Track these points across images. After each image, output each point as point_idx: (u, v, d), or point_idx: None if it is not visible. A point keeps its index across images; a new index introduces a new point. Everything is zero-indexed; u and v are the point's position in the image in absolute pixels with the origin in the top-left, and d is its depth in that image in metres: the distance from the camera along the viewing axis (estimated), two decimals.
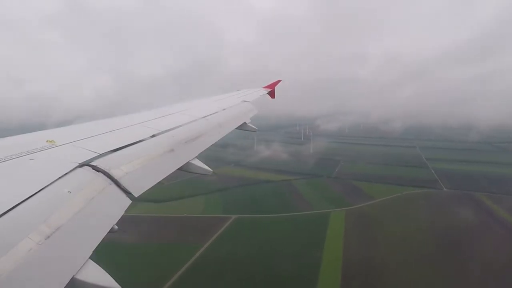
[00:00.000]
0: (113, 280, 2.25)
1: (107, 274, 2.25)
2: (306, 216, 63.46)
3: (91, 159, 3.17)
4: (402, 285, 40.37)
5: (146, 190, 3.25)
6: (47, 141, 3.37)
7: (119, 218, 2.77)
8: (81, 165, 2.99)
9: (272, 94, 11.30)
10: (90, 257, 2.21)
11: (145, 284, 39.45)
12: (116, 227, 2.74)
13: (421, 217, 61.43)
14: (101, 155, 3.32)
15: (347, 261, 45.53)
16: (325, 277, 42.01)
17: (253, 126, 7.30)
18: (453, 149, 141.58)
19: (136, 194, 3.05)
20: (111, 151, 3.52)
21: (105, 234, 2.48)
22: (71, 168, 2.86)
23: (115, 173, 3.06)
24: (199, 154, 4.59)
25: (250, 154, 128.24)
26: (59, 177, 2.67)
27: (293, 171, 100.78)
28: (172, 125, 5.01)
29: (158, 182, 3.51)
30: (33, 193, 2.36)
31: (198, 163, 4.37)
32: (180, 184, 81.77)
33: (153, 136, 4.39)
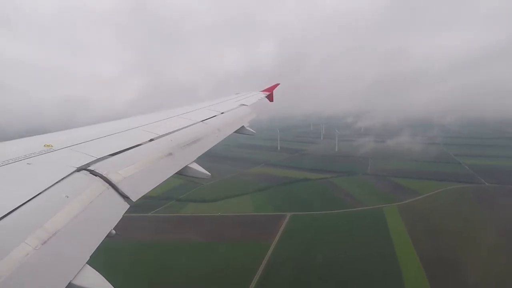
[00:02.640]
0: (111, 285, 2.21)
1: (104, 279, 2.21)
2: (360, 212, 62.81)
3: (89, 163, 3.15)
4: (489, 277, 39.71)
5: (144, 195, 3.21)
6: (44, 145, 3.37)
7: (117, 222, 2.73)
8: (79, 170, 2.99)
9: (270, 97, 11.33)
10: (87, 262, 2.18)
11: (232, 282, 38.52)
12: (114, 231, 2.72)
13: (480, 211, 60.67)
14: (99, 159, 3.30)
15: (423, 256, 44.66)
16: (409, 274, 40.99)
17: (252, 130, 7.28)
18: (472, 145, 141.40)
19: (134, 199, 3.01)
20: (109, 155, 3.50)
21: (102, 239, 2.46)
22: (69, 173, 2.86)
23: (113, 178, 3.05)
24: (197, 158, 4.57)
25: (275, 154, 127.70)
26: (57, 182, 2.66)
27: (325, 169, 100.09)
28: (171, 129, 4.99)
29: (158, 185, 3.50)
30: (30, 197, 2.35)
31: (197, 167, 4.34)
32: (218, 185, 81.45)
33: (151, 140, 4.37)
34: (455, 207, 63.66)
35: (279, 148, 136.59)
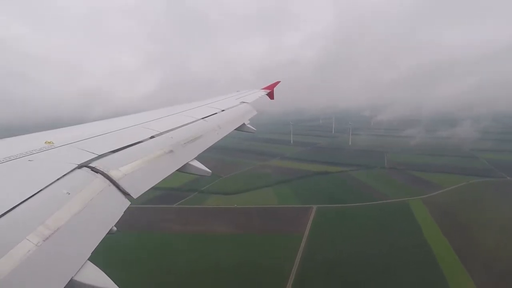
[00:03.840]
0: (112, 281, 2.22)
1: (105, 275, 2.22)
2: (386, 205, 62.45)
3: (89, 160, 3.16)
4: None
5: (145, 192, 3.22)
6: (45, 142, 3.38)
7: (118, 219, 2.73)
8: (80, 166, 2.99)
9: (271, 95, 11.38)
10: (89, 259, 2.19)
11: (273, 273, 38.63)
12: (115, 228, 2.72)
13: (508, 204, 60.24)
14: (99, 156, 3.31)
15: (459, 249, 44.20)
16: (449, 270, 40.45)
17: (252, 127, 7.30)
18: (489, 140, 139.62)
19: (135, 196, 3.02)
20: (110, 152, 3.51)
21: (104, 236, 2.46)
22: (70, 170, 2.86)
23: (113, 174, 3.06)
24: (201, 154, 4.59)
25: (289, 148, 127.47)
26: (58, 179, 2.67)
27: (342, 162, 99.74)
28: (171, 126, 5.02)
29: (159, 182, 3.50)
30: (31, 194, 2.35)
31: (197, 164, 4.34)
32: (238, 177, 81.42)
33: (152, 137, 4.41)
34: (482, 200, 63.24)
35: (292, 141, 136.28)
